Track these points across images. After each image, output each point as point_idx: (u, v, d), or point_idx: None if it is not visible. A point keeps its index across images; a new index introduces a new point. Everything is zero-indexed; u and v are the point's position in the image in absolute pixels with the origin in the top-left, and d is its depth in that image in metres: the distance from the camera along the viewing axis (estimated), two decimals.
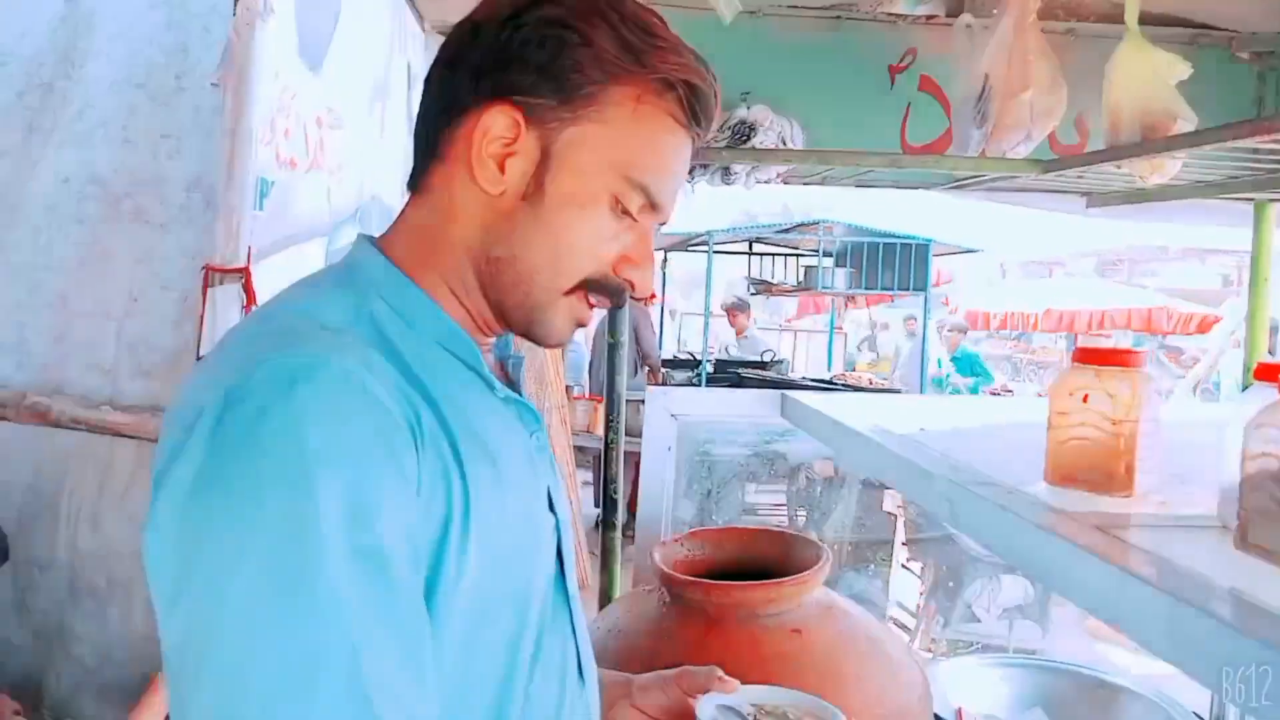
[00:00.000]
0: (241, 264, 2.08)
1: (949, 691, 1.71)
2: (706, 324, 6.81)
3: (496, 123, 0.85)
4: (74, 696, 2.20)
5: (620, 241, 0.87)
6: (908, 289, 6.83)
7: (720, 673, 1.02)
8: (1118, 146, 1.40)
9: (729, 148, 1.67)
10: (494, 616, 0.82)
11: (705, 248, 6.94)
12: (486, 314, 0.91)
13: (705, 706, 0.99)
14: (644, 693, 1.05)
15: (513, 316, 0.90)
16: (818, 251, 6.97)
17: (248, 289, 2.10)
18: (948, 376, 8.13)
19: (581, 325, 0.92)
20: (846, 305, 9.61)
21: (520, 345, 1.03)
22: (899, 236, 6.72)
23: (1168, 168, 1.44)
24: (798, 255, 8.35)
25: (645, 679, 1.06)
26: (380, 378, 0.76)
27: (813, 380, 7.25)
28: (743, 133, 1.68)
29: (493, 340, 0.97)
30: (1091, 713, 1.76)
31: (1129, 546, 0.84)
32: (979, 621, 5.18)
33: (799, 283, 7.51)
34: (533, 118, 0.85)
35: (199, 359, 2.07)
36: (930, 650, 5.26)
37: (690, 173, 1.77)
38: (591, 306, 0.90)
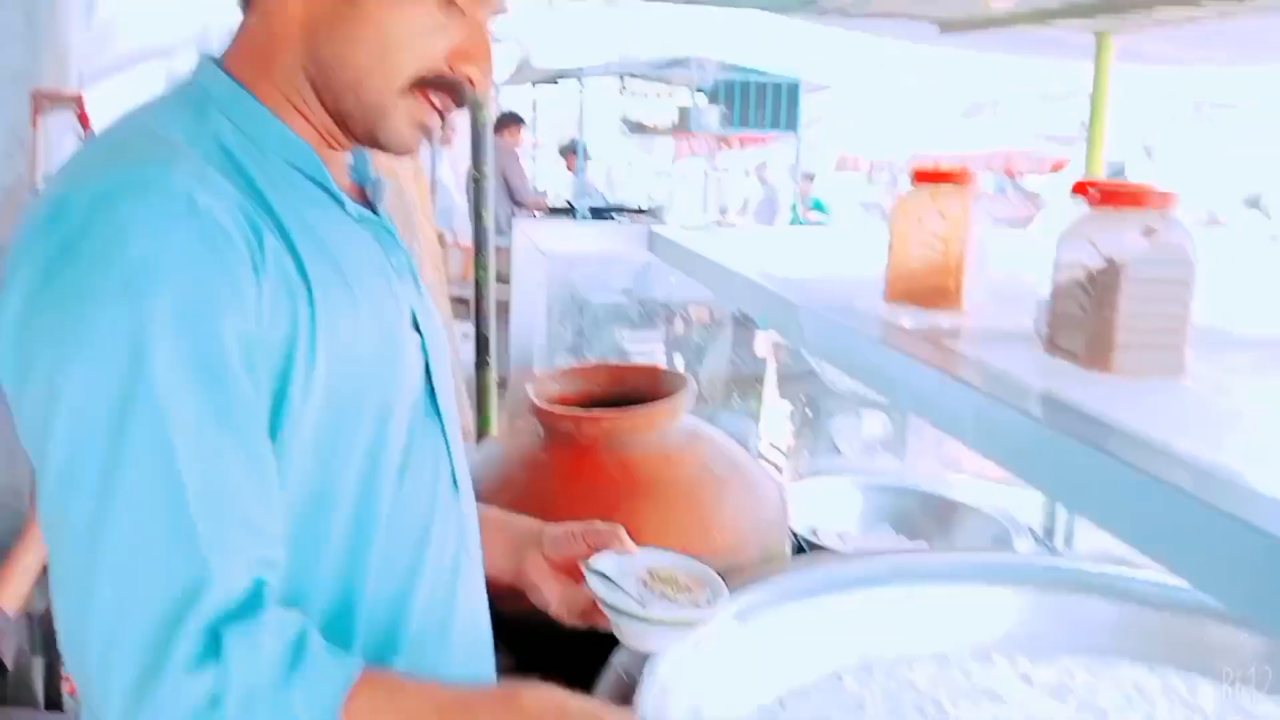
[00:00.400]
0: (72, 90, 1.94)
1: (806, 511, 1.83)
2: (580, 167, 6.72)
3: None
4: None
5: (449, 34, 0.86)
6: (779, 128, 6.86)
7: (623, 534, 1.04)
8: None
9: None
10: (351, 427, 0.84)
11: (577, 84, 6.77)
12: (329, 125, 0.90)
13: (599, 563, 1.00)
14: (555, 544, 1.07)
15: (353, 123, 0.89)
16: (690, 88, 6.89)
17: (81, 117, 1.96)
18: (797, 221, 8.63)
19: (426, 130, 0.90)
20: (720, 147, 9.61)
21: (379, 169, 1.01)
22: (769, 76, 6.68)
23: None
24: (671, 96, 8.25)
25: (555, 530, 1.08)
26: (217, 194, 0.77)
27: (688, 227, 7.29)
28: None
29: (347, 159, 0.96)
30: (934, 527, 1.91)
31: (954, 355, 0.91)
32: (841, 455, 5.48)
33: (674, 124, 7.44)
34: None
35: (35, 191, 1.95)
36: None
37: None
38: (434, 108, 0.89)
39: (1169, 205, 0.76)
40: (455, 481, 0.98)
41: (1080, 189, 0.87)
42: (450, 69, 0.87)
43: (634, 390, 1.68)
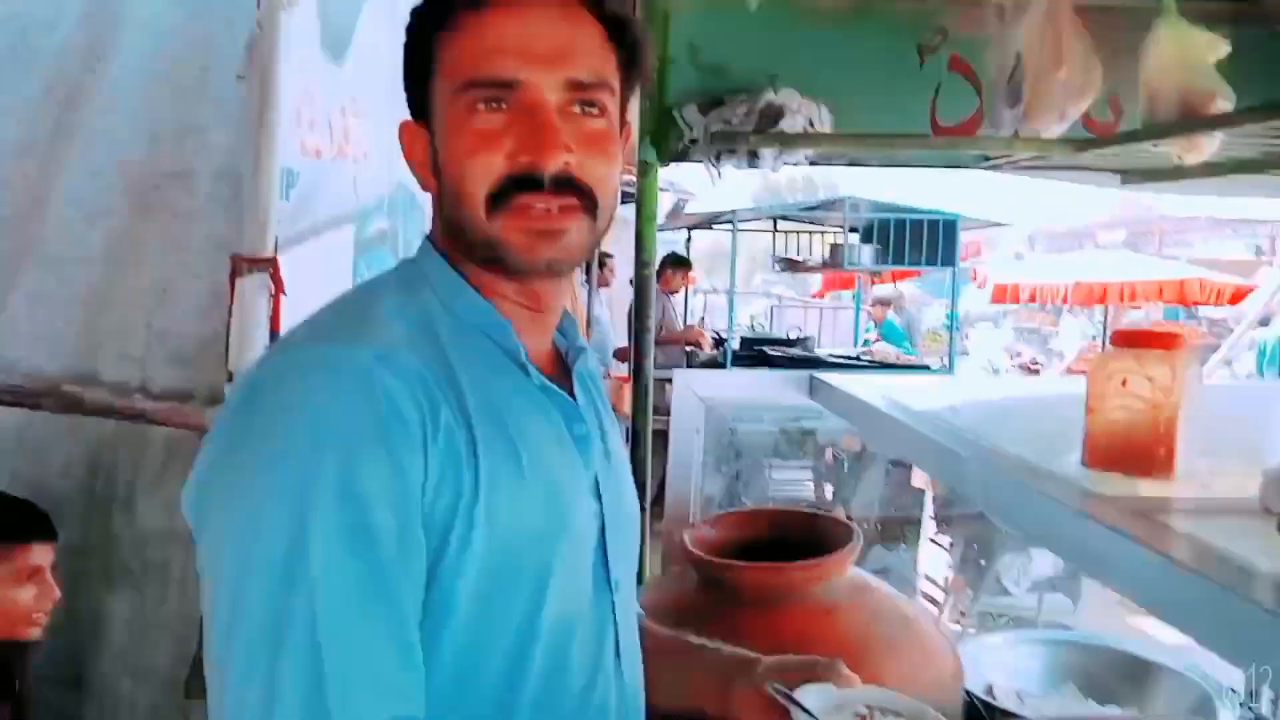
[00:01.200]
0: (268, 254, 2.09)
1: (980, 667, 1.71)
2: (731, 302, 6.79)
3: (404, 142, 0.98)
4: (111, 679, 2.24)
5: (506, 143, 0.88)
6: (935, 264, 6.78)
7: (842, 667, 1.02)
8: (1154, 126, 1.37)
9: (756, 132, 1.66)
10: (505, 596, 0.87)
11: (730, 226, 6.90)
12: (484, 275, 0.94)
13: (804, 696, 0.97)
14: (770, 675, 1.04)
15: (488, 266, 0.93)
16: (843, 228, 6.92)
17: (275, 278, 2.11)
18: (867, 344, 8.37)
19: (541, 233, 0.90)
20: (873, 281, 9.56)
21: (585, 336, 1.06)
22: (925, 212, 6.65)
23: (1205, 146, 1.41)
24: (823, 232, 8.29)
25: (771, 661, 1.07)
26: (397, 370, 0.83)
27: (839, 356, 7.22)
28: (770, 116, 1.67)
29: (550, 321, 1.01)
30: (1125, 688, 1.74)
31: (1171, 531, 0.83)
32: (1009, 595, 5.16)
33: (825, 260, 7.46)
34: (418, 123, 0.96)
35: (227, 349, 2.09)
36: (959, 623, 5.25)
37: (717, 157, 1.76)
38: (530, 212, 0.89)
39: None
40: (619, 655, 0.98)
41: None
42: (514, 170, 0.88)
43: (794, 536, 1.62)
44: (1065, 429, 1.06)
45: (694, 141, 1.75)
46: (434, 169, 0.94)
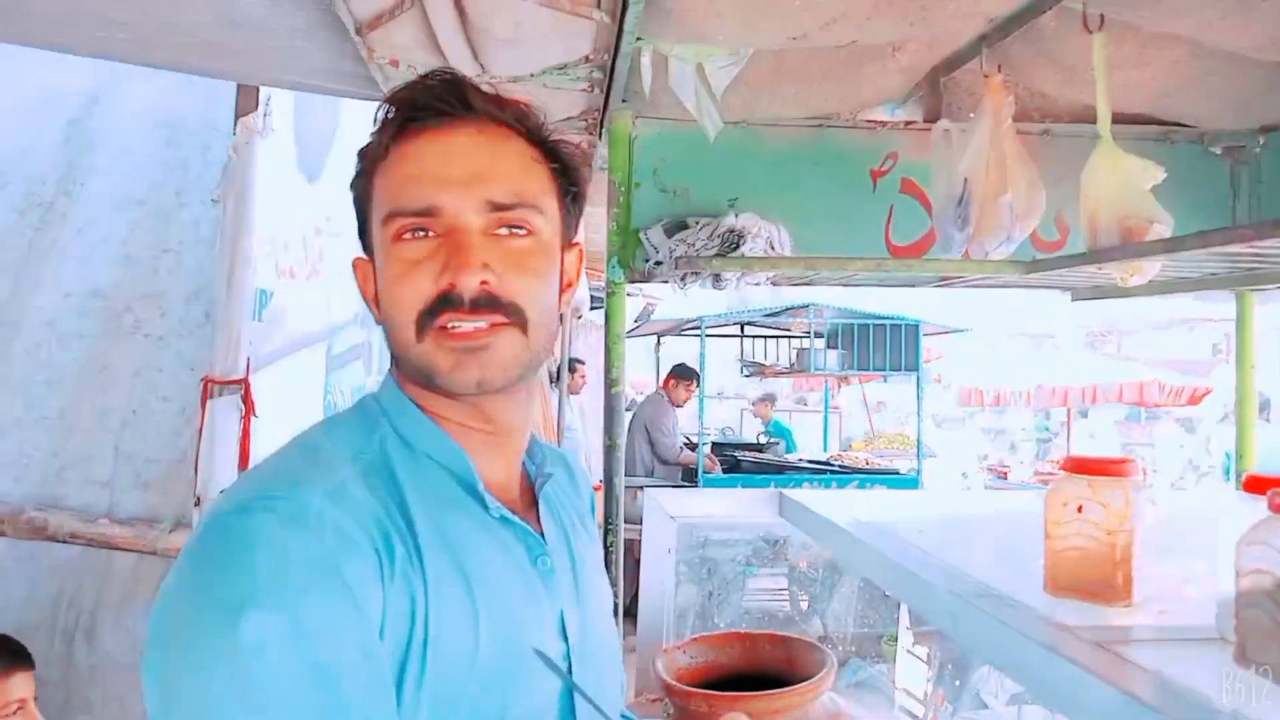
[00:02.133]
0: (240, 375, 2.10)
1: None
2: (701, 407, 6.82)
3: (359, 278, 0.98)
4: None
5: (429, 269, 0.88)
6: (899, 369, 6.88)
7: None
8: (1096, 251, 1.43)
9: (719, 256, 1.71)
10: None
11: (698, 332, 7.00)
12: (435, 400, 0.93)
13: None
14: None
15: (420, 383, 0.92)
16: (809, 333, 7.03)
17: (246, 399, 2.11)
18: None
19: (464, 351, 0.89)
20: (840, 385, 9.66)
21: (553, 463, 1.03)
22: (888, 318, 6.78)
23: (1146, 269, 1.48)
24: (789, 336, 8.41)
25: None
26: (348, 507, 0.81)
27: (810, 462, 7.24)
28: (731, 240, 1.72)
29: (512, 444, 0.98)
30: None
31: (1131, 665, 0.84)
32: (987, 709, 5.08)
33: (792, 364, 7.55)
34: (368, 259, 0.96)
35: (196, 471, 2.07)
36: None
37: (682, 279, 1.81)
38: (453, 331, 0.88)
39: None
40: None
41: (1254, 487, 0.83)
42: (438, 292, 0.88)
43: (768, 660, 1.61)
44: (1029, 549, 1.07)
45: (659, 263, 1.80)
46: (377, 301, 0.94)
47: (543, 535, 0.96)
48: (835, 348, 6.78)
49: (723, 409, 12.04)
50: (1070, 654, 0.87)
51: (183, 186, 2.20)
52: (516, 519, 0.93)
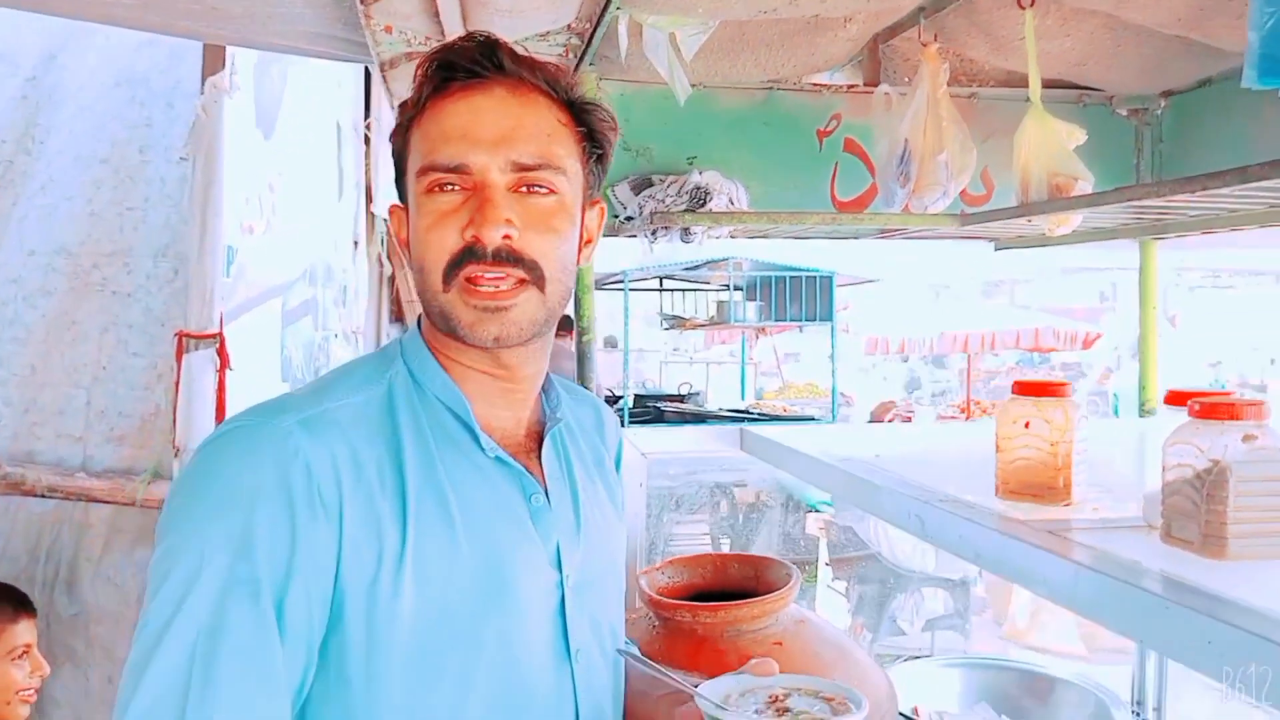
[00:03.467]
0: (215, 329, 2.16)
1: (905, 691, 1.89)
2: (626, 359, 6.97)
3: (393, 223, 1.05)
4: None
5: (460, 216, 0.95)
6: (814, 319, 7.14)
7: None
8: (1029, 204, 1.62)
9: (688, 211, 1.85)
10: (439, 665, 0.91)
11: (620, 286, 7.13)
12: (456, 346, 1.00)
13: (709, 688, 0.96)
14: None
15: (443, 328, 0.98)
16: (727, 286, 7.23)
17: (221, 353, 2.18)
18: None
19: (486, 310, 0.95)
20: (758, 336, 9.94)
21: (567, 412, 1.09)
22: (804, 270, 7.03)
23: (1072, 220, 1.67)
24: (707, 290, 8.62)
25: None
26: (318, 434, 0.90)
27: (729, 411, 7.48)
28: (699, 197, 1.86)
29: (525, 391, 1.04)
30: (1032, 703, 1.96)
31: (1077, 545, 1.03)
32: (904, 634, 5.44)
33: (711, 317, 7.77)
34: (402, 207, 1.03)
35: (175, 423, 2.14)
36: None
37: (653, 233, 1.94)
38: (476, 281, 0.94)
39: (1264, 415, 0.90)
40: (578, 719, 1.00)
41: (1175, 399, 1.02)
42: (463, 244, 0.94)
43: (738, 578, 1.79)
44: (971, 465, 1.25)
45: (630, 219, 1.93)
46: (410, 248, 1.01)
47: (542, 475, 1.03)
48: (754, 300, 7.01)
49: (642, 363, 12.26)
50: (1026, 539, 1.05)
51: (147, 144, 2.22)
52: (512, 460, 1.00)
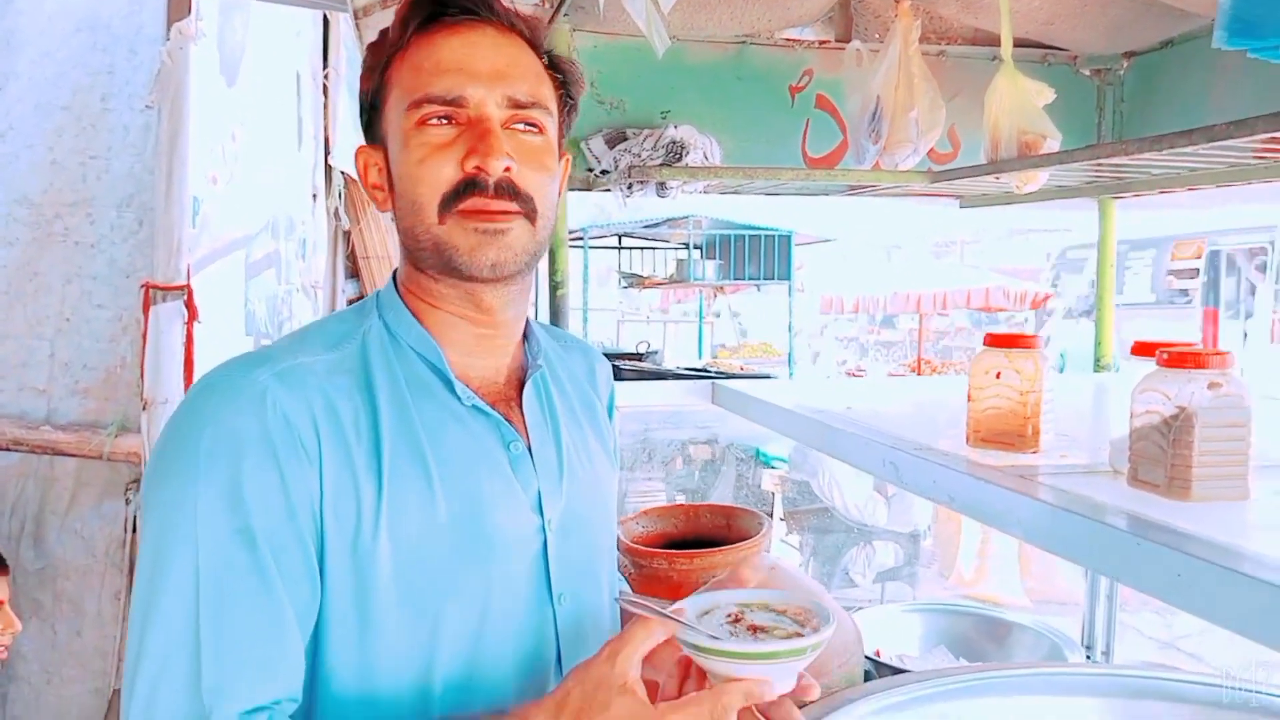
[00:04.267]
0: (182, 281, 2.13)
1: (867, 636, 1.95)
2: (585, 316, 7.00)
3: (360, 166, 1.05)
4: (24, 717, 2.21)
5: (457, 149, 0.95)
6: (772, 278, 7.22)
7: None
8: (1000, 161, 1.66)
9: (664, 165, 1.86)
10: (417, 606, 0.94)
11: (581, 243, 7.13)
12: (443, 294, 1.01)
13: (687, 604, 0.92)
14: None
15: (442, 273, 0.99)
16: (686, 245, 7.27)
17: (189, 305, 2.15)
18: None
19: (485, 233, 0.96)
20: (715, 295, 10.01)
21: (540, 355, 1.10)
22: (763, 229, 7.07)
23: (1039, 178, 1.72)
24: (664, 249, 8.64)
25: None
26: (294, 386, 0.92)
27: (687, 368, 7.54)
28: (675, 151, 1.88)
29: (503, 338, 1.05)
30: (989, 646, 2.04)
31: (1049, 488, 1.08)
32: (856, 586, 5.58)
33: (670, 275, 7.80)
34: (372, 146, 1.04)
35: (142, 376, 2.11)
36: None
37: (629, 188, 1.95)
38: (476, 213, 0.95)
39: (1228, 364, 0.95)
40: (560, 663, 1.03)
41: (1141, 350, 1.06)
42: (463, 175, 0.95)
43: (710, 526, 1.84)
44: (937, 416, 1.30)
45: (605, 172, 1.94)
46: (389, 186, 1.01)
47: (523, 423, 1.04)
48: (713, 258, 7.05)
49: (596, 320, 12.29)
50: (999, 482, 1.10)
51: (109, 91, 2.17)
52: (490, 409, 1.01)
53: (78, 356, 2.20)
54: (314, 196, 3.52)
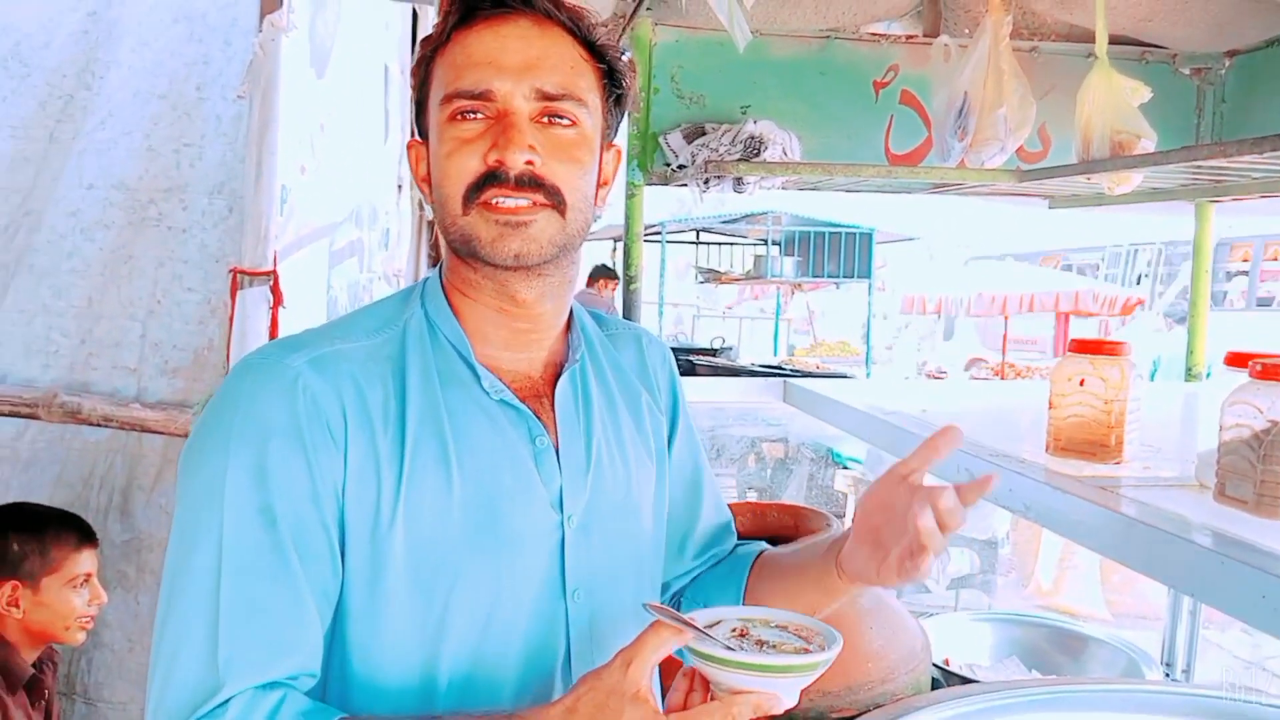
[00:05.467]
0: (269, 267, 2.19)
1: (936, 644, 1.91)
2: (660, 312, 7.00)
3: (411, 159, 1.06)
4: (106, 682, 2.30)
5: (483, 142, 0.96)
6: (852, 276, 7.12)
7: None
8: (1091, 161, 1.60)
9: (743, 160, 1.85)
10: (428, 594, 0.95)
11: (659, 238, 7.12)
12: (471, 279, 1.01)
13: (700, 615, 0.92)
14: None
15: (470, 261, 1.00)
16: (765, 241, 7.21)
17: (275, 290, 2.21)
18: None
19: (506, 225, 0.96)
20: (793, 292, 9.93)
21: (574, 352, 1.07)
22: (843, 226, 6.98)
23: (1132, 179, 1.66)
24: (742, 245, 8.59)
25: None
26: (325, 372, 0.94)
27: (762, 366, 7.49)
28: (753, 147, 1.86)
29: (541, 333, 1.05)
30: (1062, 658, 1.98)
31: (1131, 501, 1.04)
32: (929, 592, 5.47)
33: (747, 271, 7.75)
34: (421, 141, 1.04)
35: (228, 358, 2.18)
36: None
37: (705, 183, 1.94)
38: (497, 206, 0.95)
39: None
40: (570, 660, 1.02)
41: (1235, 361, 1.02)
42: (486, 168, 0.95)
43: (778, 525, 1.81)
44: (1018, 422, 1.26)
45: (682, 167, 1.93)
46: (429, 179, 1.02)
47: (551, 418, 1.03)
48: (791, 255, 6.99)
49: (672, 315, 12.29)
50: (1077, 493, 1.06)
51: (204, 81, 2.24)
52: (518, 402, 1.01)
53: (167, 337, 2.27)
54: (399, 188, 3.58)
